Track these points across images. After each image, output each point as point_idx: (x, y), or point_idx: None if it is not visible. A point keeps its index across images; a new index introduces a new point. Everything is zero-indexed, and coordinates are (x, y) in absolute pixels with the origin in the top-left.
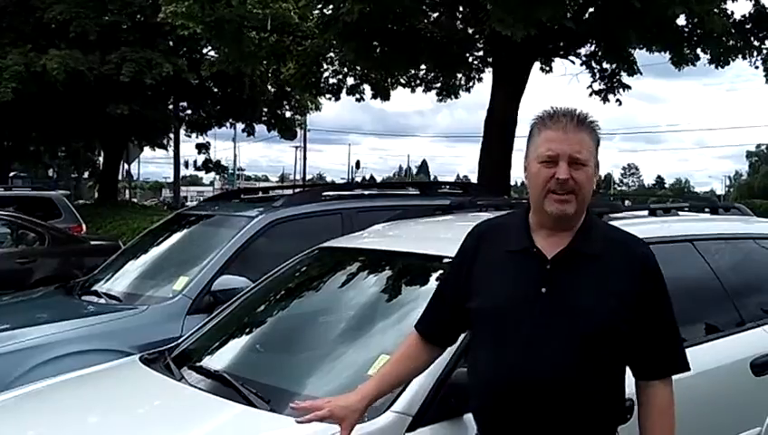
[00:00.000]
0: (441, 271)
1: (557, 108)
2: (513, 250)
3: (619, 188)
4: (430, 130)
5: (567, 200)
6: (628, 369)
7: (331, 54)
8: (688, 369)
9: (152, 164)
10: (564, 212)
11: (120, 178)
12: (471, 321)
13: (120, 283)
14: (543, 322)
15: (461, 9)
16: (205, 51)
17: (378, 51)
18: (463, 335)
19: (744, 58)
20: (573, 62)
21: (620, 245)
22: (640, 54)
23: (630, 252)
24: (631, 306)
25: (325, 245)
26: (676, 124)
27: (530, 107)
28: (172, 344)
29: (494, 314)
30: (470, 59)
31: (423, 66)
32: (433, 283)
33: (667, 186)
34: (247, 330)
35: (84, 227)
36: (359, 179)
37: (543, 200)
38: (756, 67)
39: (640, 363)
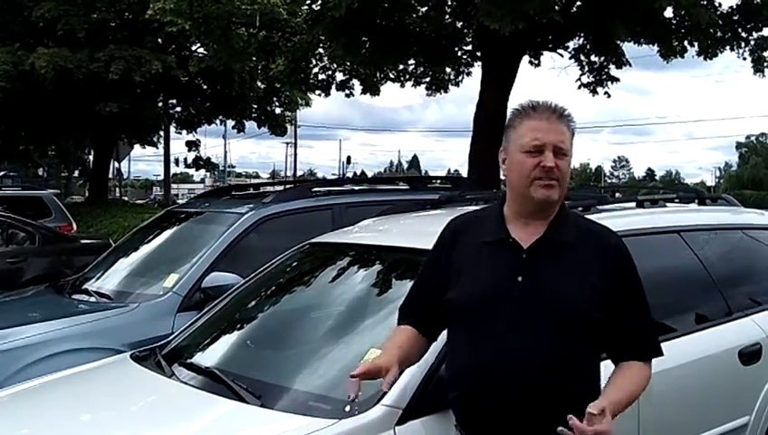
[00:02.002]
0: None
1: (535, 100)
2: (488, 241)
3: (609, 181)
4: (419, 124)
5: (552, 186)
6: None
7: (320, 50)
8: (661, 354)
9: (142, 162)
10: (550, 197)
11: (110, 176)
12: (449, 312)
13: (110, 281)
14: (520, 310)
15: (449, 3)
16: (193, 48)
17: (366, 46)
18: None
19: (731, 50)
20: (562, 56)
21: (593, 234)
22: (628, 46)
23: (603, 241)
24: (604, 294)
25: (315, 240)
26: (664, 116)
27: (519, 100)
28: (163, 342)
29: (472, 304)
30: (459, 53)
31: (412, 61)
32: None
33: (657, 178)
34: (238, 326)
35: (75, 225)
36: (350, 175)
37: (529, 188)
38: (744, 58)
39: (616, 350)
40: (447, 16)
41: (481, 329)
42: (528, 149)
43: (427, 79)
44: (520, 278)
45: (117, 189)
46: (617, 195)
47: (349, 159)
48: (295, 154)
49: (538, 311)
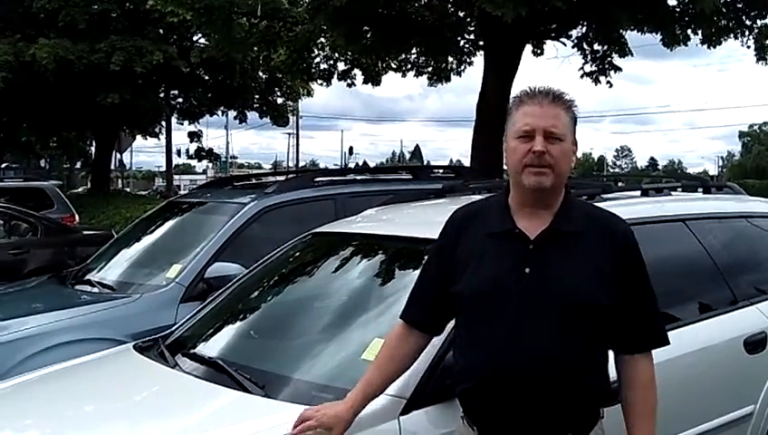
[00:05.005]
0: None
1: (534, 87)
2: (495, 232)
3: (612, 170)
4: (420, 114)
5: (544, 173)
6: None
7: (322, 40)
8: (668, 343)
9: (144, 153)
10: (541, 184)
11: (112, 167)
12: (455, 305)
13: (112, 272)
14: (529, 302)
15: None
16: (195, 38)
17: (368, 35)
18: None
19: (735, 38)
20: (565, 44)
21: (600, 222)
22: (628, 35)
23: (610, 229)
24: (612, 282)
25: (318, 230)
26: (666, 105)
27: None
28: (166, 332)
29: (479, 296)
30: (461, 42)
31: (414, 50)
32: None
33: (659, 167)
34: (241, 316)
35: (77, 217)
36: (352, 166)
37: (521, 175)
38: (748, 47)
39: (622, 338)
40: (449, 5)
41: (489, 321)
42: (520, 135)
43: (429, 69)
44: (527, 269)
45: (119, 180)
46: (619, 184)
47: (351, 149)
48: (297, 144)
49: (546, 302)
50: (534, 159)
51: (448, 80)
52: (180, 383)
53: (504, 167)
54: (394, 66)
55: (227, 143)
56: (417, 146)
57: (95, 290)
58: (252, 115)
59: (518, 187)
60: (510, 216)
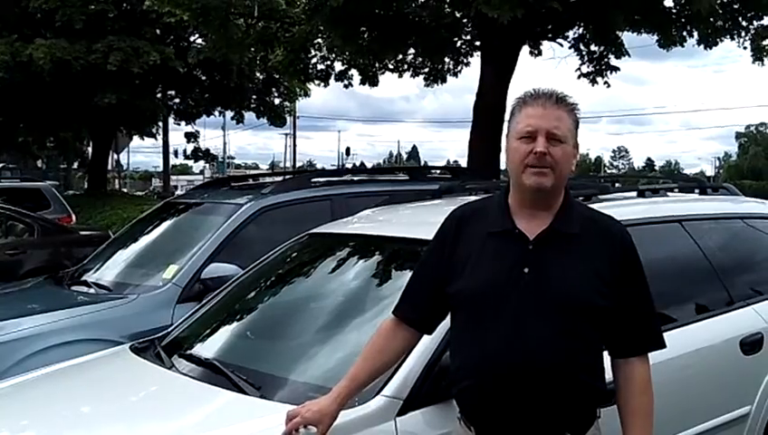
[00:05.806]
0: None
1: (538, 88)
2: (494, 232)
3: (609, 171)
4: (416, 115)
5: (544, 173)
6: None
7: (319, 40)
8: (664, 346)
9: (141, 153)
10: (542, 184)
11: (109, 167)
12: (453, 304)
13: (109, 272)
14: (527, 302)
15: None
16: (192, 39)
17: (365, 36)
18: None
19: (732, 39)
20: (561, 45)
21: (598, 224)
22: (625, 36)
23: (608, 231)
24: (610, 283)
25: (315, 231)
26: (663, 106)
27: (519, 91)
28: (162, 333)
29: (478, 296)
30: (458, 43)
31: (411, 51)
32: None
33: (656, 168)
34: (237, 317)
35: (74, 217)
36: (349, 166)
37: (521, 175)
38: (744, 48)
39: (618, 340)
40: (446, 6)
41: (487, 321)
42: (522, 135)
43: (426, 69)
44: (526, 270)
45: (116, 181)
46: (616, 185)
47: (348, 150)
48: (294, 145)
49: (544, 302)
50: (536, 159)
51: (444, 80)
52: (176, 384)
53: (503, 167)
54: (391, 67)
55: (224, 144)
56: (415, 146)
57: (92, 291)
58: (249, 116)
59: (518, 187)
60: (510, 216)
